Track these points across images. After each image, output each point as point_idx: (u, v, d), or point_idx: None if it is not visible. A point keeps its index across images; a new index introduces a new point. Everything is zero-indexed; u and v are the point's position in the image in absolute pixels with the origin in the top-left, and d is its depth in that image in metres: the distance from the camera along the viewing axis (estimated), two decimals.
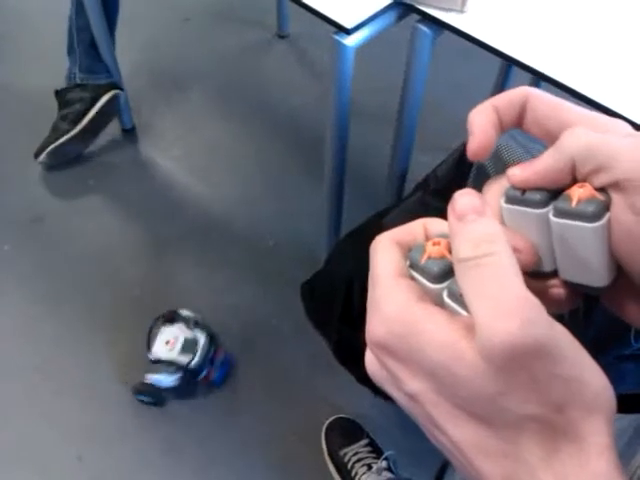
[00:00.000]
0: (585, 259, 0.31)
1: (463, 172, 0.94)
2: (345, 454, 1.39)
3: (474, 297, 0.27)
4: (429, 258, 0.30)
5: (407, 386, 0.29)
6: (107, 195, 1.89)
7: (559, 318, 0.27)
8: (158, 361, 1.44)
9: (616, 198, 0.30)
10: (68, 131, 1.86)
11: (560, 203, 0.31)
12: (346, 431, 1.43)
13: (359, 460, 1.37)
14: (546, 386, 0.26)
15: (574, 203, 0.30)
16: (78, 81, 1.88)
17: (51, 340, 1.59)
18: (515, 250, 0.31)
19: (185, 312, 1.51)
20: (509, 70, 1.79)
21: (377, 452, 1.39)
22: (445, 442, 0.29)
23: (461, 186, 0.93)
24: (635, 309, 0.33)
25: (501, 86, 1.86)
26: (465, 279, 0.28)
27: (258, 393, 1.51)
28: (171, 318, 1.48)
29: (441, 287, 0.30)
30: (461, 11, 1.08)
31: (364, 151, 1.88)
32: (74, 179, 1.91)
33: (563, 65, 1.01)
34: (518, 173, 0.32)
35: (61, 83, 1.89)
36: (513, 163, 0.81)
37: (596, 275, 0.32)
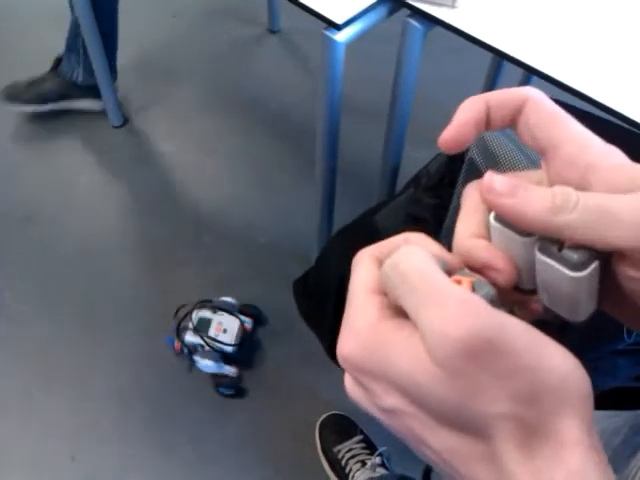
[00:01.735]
0: (563, 297, 0.30)
1: (454, 168, 0.93)
2: (339, 451, 1.39)
3: (412, 306, 0.27)
4: (567, 246, 0.29)
5: (382, 401, 0.28)
6: (97, 192, 1.87)
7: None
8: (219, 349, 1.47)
9: (616, 255, 0.28)
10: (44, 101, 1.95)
11: (547, 241, 0.29)
12: (340, 428, 1.43)
13: (353, 456, 1.37)
14: (509, 380, 0.25)
15: (559, 247, 0.29)
16: (80, 80, 1.91)
17: (43, 340, 1.58)
18: (493, 269, 0.31)
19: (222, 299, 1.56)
20: (501, 65, 1.79)
21: (371, 448, 1.39)
22: (428, 453, 0.29)
23: (453, 182, 0.93)
24: (630, 312, 0.32)
25: (493, 81, 1.85)
26: (395, 291, 0.28)
27: (251, 391, 1.51)
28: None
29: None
30: (452, 6, 1.07)
31: (356, 147, 1.87)
32: (64, 177, 1.90)
33: (554, 60, 1.01)
34: (502, 193, 0.29)
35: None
36: (505, 159, 0.81)
37: (572, 313, 0.31)
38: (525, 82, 1.83)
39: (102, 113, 1.99)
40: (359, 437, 1.40)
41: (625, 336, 0.79)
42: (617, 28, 1.07)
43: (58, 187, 1.87)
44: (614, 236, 0.27)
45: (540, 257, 0.29)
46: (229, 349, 1.46)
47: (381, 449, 1.37)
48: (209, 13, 2.40)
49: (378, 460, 1.35)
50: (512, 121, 0.32)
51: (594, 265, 0.28)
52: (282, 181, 1.91)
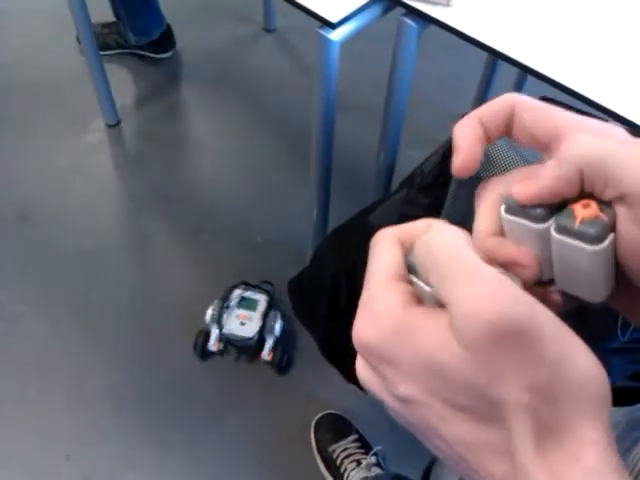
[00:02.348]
0: (583, 276, 0.30)
1: (448, 168, 0.93)
2: (334, 450, 1.38)
3: (444, 282, 0.27)
4: (583, 221, 0.29)
5: (398, 389, 0.28)
6: (94, 192, 1.87)
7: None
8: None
9: (622, 212, 0.29)
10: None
11: (563, 220, 0.30)
12: (335, 427, 1.42)
13: (348, 456, 1.37)
14: (531, 369, 0.25)
15: (577, 223, 0.29)
16: (133, 43, 2.10)
17: (40, 339, 1.57)
18: (519, 265, 0.31)
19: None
20: (496, 64, 1.79)
21: (366, 447, 1.39)
22: (441, 444, 0.28)
23: (447, 182, 0.93)
24: (629, 301, 0.32)
25: (488, 79, 1.85)
26: (427, 268, 0.28)
27: (246, 389, 1.51)
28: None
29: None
30: (447, 5, 1.07)
31: (351, 146, 1.87)
32: (60, 176, 1.89)
33: (549, 59, 1.01)
34: (522, 191, 0.31)
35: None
36: (498, 158, 0.81)
37: (592, 292, 0.31)
38: (520, 80, 1.83)
39: (98, 111, 1.98)
40: (354, 436, 1.40)
41: (619, 334, 0.79)
42: (612, 27, 1.07)
43: (55, 186, 1.87)
44: (622, 179, 0.28)
45: (558, 237, 0.30)
46: (225, 331, 1.47)
47: (376, 448, 1.37)
48: (204, 12, 2.40)
49: (373, 459, 1.35)
50: (506, 128, 0.33)
51: (611, 237, 0.29)
52: (277, 180, 1.90)
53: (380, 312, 0.28)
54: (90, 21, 1.72)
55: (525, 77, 1.80)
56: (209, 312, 1.49)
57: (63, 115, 2.03)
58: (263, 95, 2.14)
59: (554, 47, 1.03)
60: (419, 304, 0.29)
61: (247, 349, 1.51)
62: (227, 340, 1.50)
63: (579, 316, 0.77)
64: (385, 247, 0.31)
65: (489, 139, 0.33)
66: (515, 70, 1.13)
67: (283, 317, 1.51)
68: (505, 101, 0.33)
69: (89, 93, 1.93)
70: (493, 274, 0.26)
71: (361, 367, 0.30)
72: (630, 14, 1.09)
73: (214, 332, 1.49)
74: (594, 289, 0.31)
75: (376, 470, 1.34)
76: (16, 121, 2.01)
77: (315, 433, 1.43)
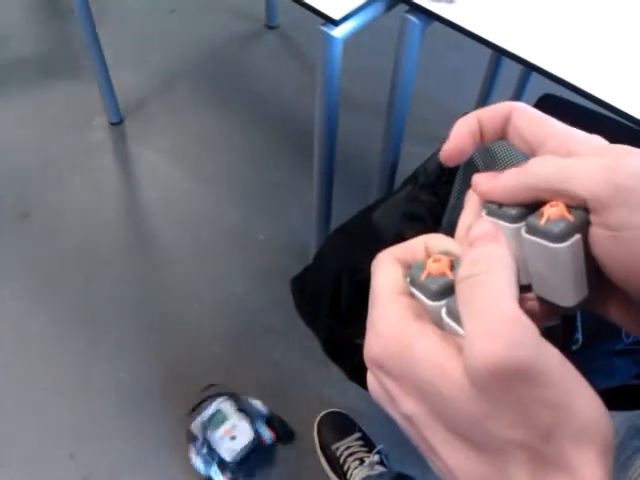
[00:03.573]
0: (551, 278, 0.31)
1: (452, 166, 0.93)
2: (337, 448, 1.38)
3: (465, 315, 0.27)
4: (429, 275, 0.30)
5: (402, 406, 0.28)
6: (94, 189, 1.87)
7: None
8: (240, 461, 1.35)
9: (592, 217, 0.30)
10: None
11: (531, 219, 0.31)
12: (338, 425, 1.42)
13: (351, 454, 1.36)
14: (532, 411, 0.25)
15: (543, 221, 0.30)
16: None
17: (40, 337, 1.57)
18: (477, 185, 0.33)
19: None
20: (499, 61, 1.78)
21: (369, 446, 1.39)
22: (440, 466, 0.28)
23: (450, 180, 0.92)
24: (619, 311, 0.33)
25: (492, 76, 1.84)
26: (460, 297, 0.28)
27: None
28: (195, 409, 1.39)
29: (439, 305, 0.30)
30: (450, 1, 1.07)
31: (354, 143, 1.87)
32: (60, 174, 1.89)
33: (554, 55, 1.00)
34: (482, 182, 0.33)
35: None
36: (502, 155, 0.80)
37: (562, 294, 0.32)
38: (524, 77, 1.82)
39: (102, 109, 1.98)
40: (357, 435, 1.40)
41: (623, 336, 0.79)
42: (616, 24, 1.06)
43: (56, 184, 1.87)
44: (578, 187, 0.29)
45: (526, 237, 0.31)
46: (227, 458, 1.33)
47: (379, 447, 1.36)
48: (206, 9, 2.39)
49: (376, 458, 1.34)
50: (503, 131, 0.35)
51: (576, 237, 0.29)
52: (280, 178, 1.90)
53: (385, 328, 0.29)
54: (92, 19, 1.72)
55: (529, 74, 1.79)
56: (193, 458, 1.35)
57: (66, 113, 2.03)
58: (266, 92, 2.13)
59: (558, 43, 1.02)
60: (421, 318, 0.29)
61: (254, 448, 1.39)
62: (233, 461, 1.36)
63: (564, 335, 0.76)
64: (386, 266, 0.32)
65: (483, 138, 0.35)
66: (519, 67, 1.13)
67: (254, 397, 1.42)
68: (505, 106, 0.35)
69: (93, 91, 1.93)
70: (512, 311, 0.26)
71: (371, 380, 0.31)
72: (635, 10, 1.09)
73: (215, 471, 1.35)
74: (563, 293, 0.31)
75: (379, 468, 1.34)
76: (18, 118, 2.01)
77: (318, 431, 1.43)
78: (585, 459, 0.25)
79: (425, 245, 0.33)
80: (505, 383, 0.25)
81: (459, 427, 0.26)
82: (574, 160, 0.30)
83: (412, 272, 0.31)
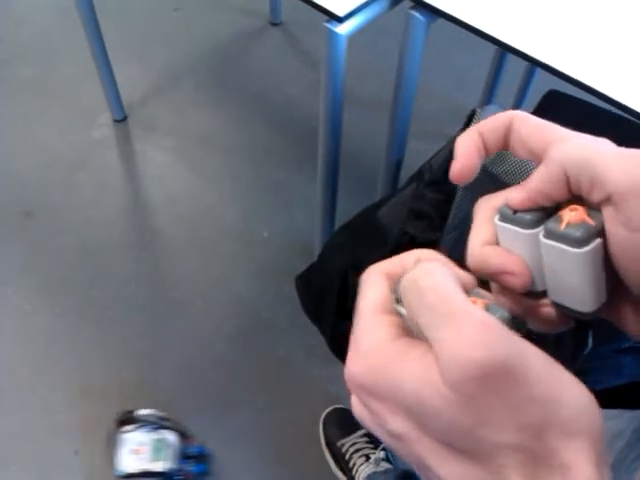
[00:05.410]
0: (571, 283, 0.31)
1: (463, 184, 0.92)
2: (343, 445, 1.38)
3: (429, 325, 0.27)
4: (569, 225, 0.30)
5: (389, 426, 0.28)
6: (98, 187, 1.87)
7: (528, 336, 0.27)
8: (129, 476, 1.26)
9: (609, 214, 0.29)
10: None
11: (550, 224, 0.30)
12: (344, 422, 1.42)
13: (357, 451, 1.37)
14: (520, 410, 0.25)
15: (563, 226, 0.29)
16: None
17: (45, 335, 1.58)
18: (509, 273, 0.32)
19: (143, 411, 1.34)
20: (504, 57, 1.78)
21: (375, 442, 1.39)
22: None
23: None
24: (632, 319, 0.32)
25: (496, 72, 1.84)
26: (412, 307, 0.28)
27: (254, 385, 1.51)
28: (129, 420, 1.32)
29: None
30: None
31: (359, 140, 1.87)
32: (64, 172, 1.89)
33: (559, 51, 1.00)
34: (516, 196, 0.32)
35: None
36: (506, 155, 0.80)
37: (581, 300, 0.31)
38: (529, 73, 1.81)
39: (106, 106, 1.98)
40: (363, 431, 1.40)
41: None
42: (620, 19, 1.06)
43: (60, 182, 1.87)
44: (607, 180, 0.29)
45: (545, 242, 0.30)
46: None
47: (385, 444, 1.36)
48: (210, 6, 2.39)
49: (382, 454, 1.34)
50: (505, 142, 0.35)
51: (597, 242, 0.29)
52: (284, 175, 1.90)
53: (365, 348, 0.29)
54: (96, 16, 1.72)
55: (534, 70, 1.78)
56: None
57: (70, 110, 2.03)
58: (269, 89, 2.13)
59: (563, 39, 1.02)
60: (406, 335, 0.29)
61: None
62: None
63: (575, 342, 0.75)
64: (372, 281, 0.32)
65: (487, 152, 0.35)
66: (524, 63, 1.12)
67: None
68: (504, 116, 0.35)
69: (96, 88, 1.93)
70: (480, 314, 0.26)
71: (354, 402, 0.31)
72: (639, 6, 1.08)
73: None
74: (582, 298, 0.31)
75: (385, 465, 1.34)
76: (22, 116, 2.02)
77: (324, 428, 1.43)
78: (576, 455, 0.24)
79: (416, 259, 0.33)
80: (490, 386, 0.24)
81: (450, 438, 0.26)
82: (601, 149, 0.30)
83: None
